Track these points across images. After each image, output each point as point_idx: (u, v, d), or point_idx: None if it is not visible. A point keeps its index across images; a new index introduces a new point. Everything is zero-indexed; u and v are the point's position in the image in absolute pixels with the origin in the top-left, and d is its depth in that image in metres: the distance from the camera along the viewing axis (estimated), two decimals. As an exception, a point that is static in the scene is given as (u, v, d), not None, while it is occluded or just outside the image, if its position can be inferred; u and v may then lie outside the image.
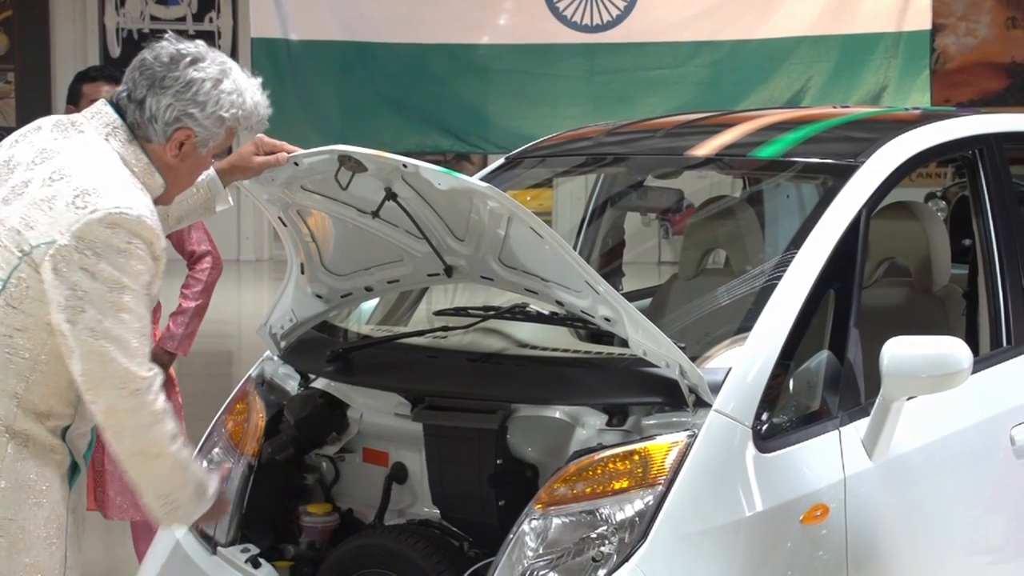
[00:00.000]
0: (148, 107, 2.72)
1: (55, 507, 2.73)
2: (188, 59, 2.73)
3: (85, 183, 2.61)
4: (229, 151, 3.04)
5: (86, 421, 2.78)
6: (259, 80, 2.87)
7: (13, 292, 2.64)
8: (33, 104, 17.95)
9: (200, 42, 2.80)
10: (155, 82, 2.72)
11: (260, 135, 3.08)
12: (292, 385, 3.49)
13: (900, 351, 2.95)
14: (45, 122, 2.82)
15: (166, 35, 2.80)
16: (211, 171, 3.07)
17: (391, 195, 3.05)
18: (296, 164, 3.06)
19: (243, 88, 2.79)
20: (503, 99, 8.10)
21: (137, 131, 2.74)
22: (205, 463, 3.46)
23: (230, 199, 3.15)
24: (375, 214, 3.13)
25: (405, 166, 2.89)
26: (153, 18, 16.57)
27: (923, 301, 3.93)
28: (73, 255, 2.56)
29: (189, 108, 2.72)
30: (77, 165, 2.66)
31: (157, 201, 2.79)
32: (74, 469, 2.78)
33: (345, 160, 2.98)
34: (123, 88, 2.77)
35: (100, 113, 2.75)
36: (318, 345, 3.44)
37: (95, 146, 2.71)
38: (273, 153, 3.06)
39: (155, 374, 2.65)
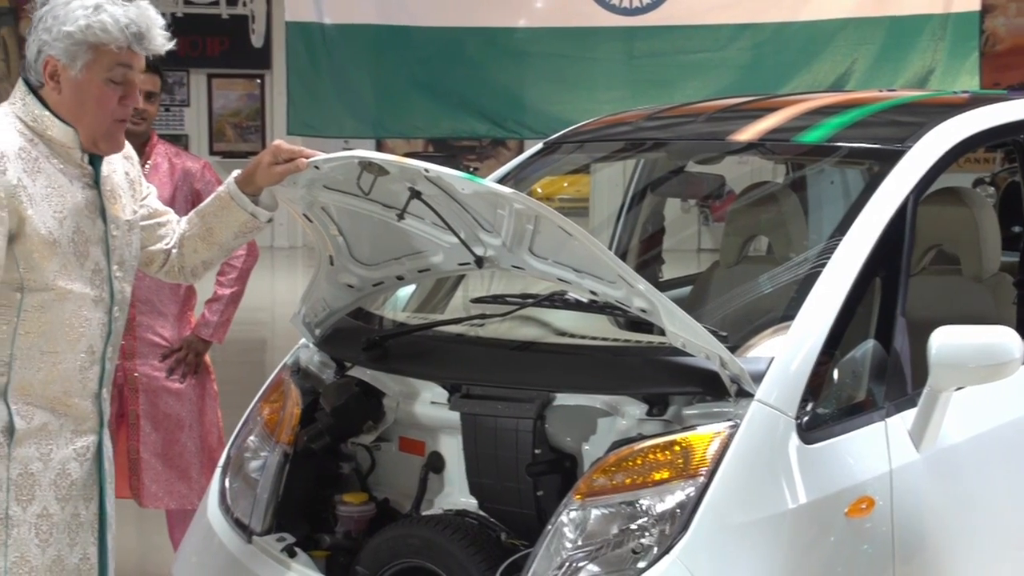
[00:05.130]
0: (26, 56, 2.84)
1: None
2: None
3: None
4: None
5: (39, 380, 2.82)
6: (144, 2, 2.88)
7: None
8: (68, 89, 18.09)
9: None
10: (29, 32, 2.83)
11: (277, 142, 3.05)
12: (328, 373, 3.47)
13: (949, 340, 2.90)
14: None
15: None
16: (233, 187, 3.05)
17: (416, 194, 3.02)
18: (316, 168, 3.02)
19: (93, 3, 2.77)
20: (540, 83, 8.05)
21: (30, 85, 2.83)
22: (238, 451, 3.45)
23: (266, 212, 3.08)
24: (401, 216, 3.09)
25: (427, 171, 2.85)
26: (187, 2, 16.62)
27: (972, 289, 3.87)
28: None
29: (43, 36, 2.79)
30: None
31: (95, 149, 2.85)
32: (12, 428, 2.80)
33: (366, 165, 2.96)
34: None
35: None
36: (354, 333, 3.41)
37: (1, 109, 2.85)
38: (291, 160, 3.01)
39: None
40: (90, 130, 2.84)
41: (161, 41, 2.87)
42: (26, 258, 2.76)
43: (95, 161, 2.90)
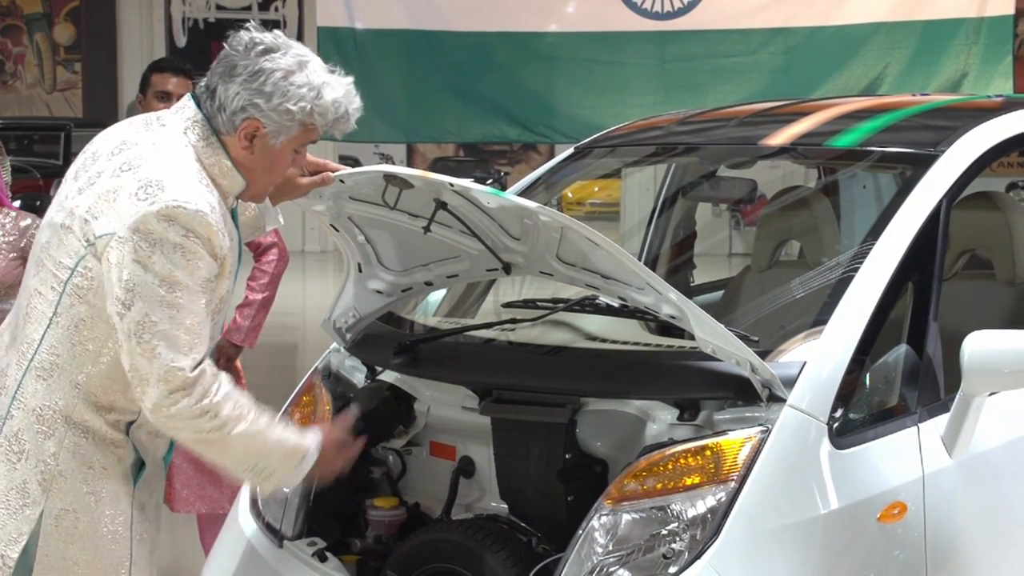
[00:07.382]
0: (218, 96, 2.68)
1: (118, 502, 2.72)
2: (261, 48, 2.68)
3: (150, 175, 2.60)
4: None
5: None
6: (349, 80, 2.80)
7: (79, 282, 2.63)
8: (100, 94, 18.21)
9: (280, 33, 2.74)
10: (227, 71, 2.68)
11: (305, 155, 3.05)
12: (359, 377, 3.48)
13: (982, 345, 2.88)
14: (137, 118, 2.81)
15: (248, 24, 2.75)
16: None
17: (441, 204, 3.03)
18: (342, 181, 3.03)
19: (318, 83, 2.70)
20: (571, 88, 8.08)
21: (212, 122, 2.70)
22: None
23: (280, 218, 3.10)
24: (427, 228, 3.10)
25: (452, 185, 2.86)
26: (219, 7, 16.70)
27: (1006, 294, 3.84)
28: (128, 247, 2.55)
29: (255, 98, 2.65)
30: (147, 157, 2.64)
31: (244, 197, 2.77)
32: (140, 466, 2.76)
33: (391, 178, 2.97)
34: (204, 80, 2.74)
35: (184, 107, 2.74)
36: (385, 337, 3.42)
37: (172, 139, 2.69)
38: (318, 172, 3.01)
39: (201, 372, 2.58)
40: (262, 188, 2.80)
41: (353, 125, 2.82)
42: None
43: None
